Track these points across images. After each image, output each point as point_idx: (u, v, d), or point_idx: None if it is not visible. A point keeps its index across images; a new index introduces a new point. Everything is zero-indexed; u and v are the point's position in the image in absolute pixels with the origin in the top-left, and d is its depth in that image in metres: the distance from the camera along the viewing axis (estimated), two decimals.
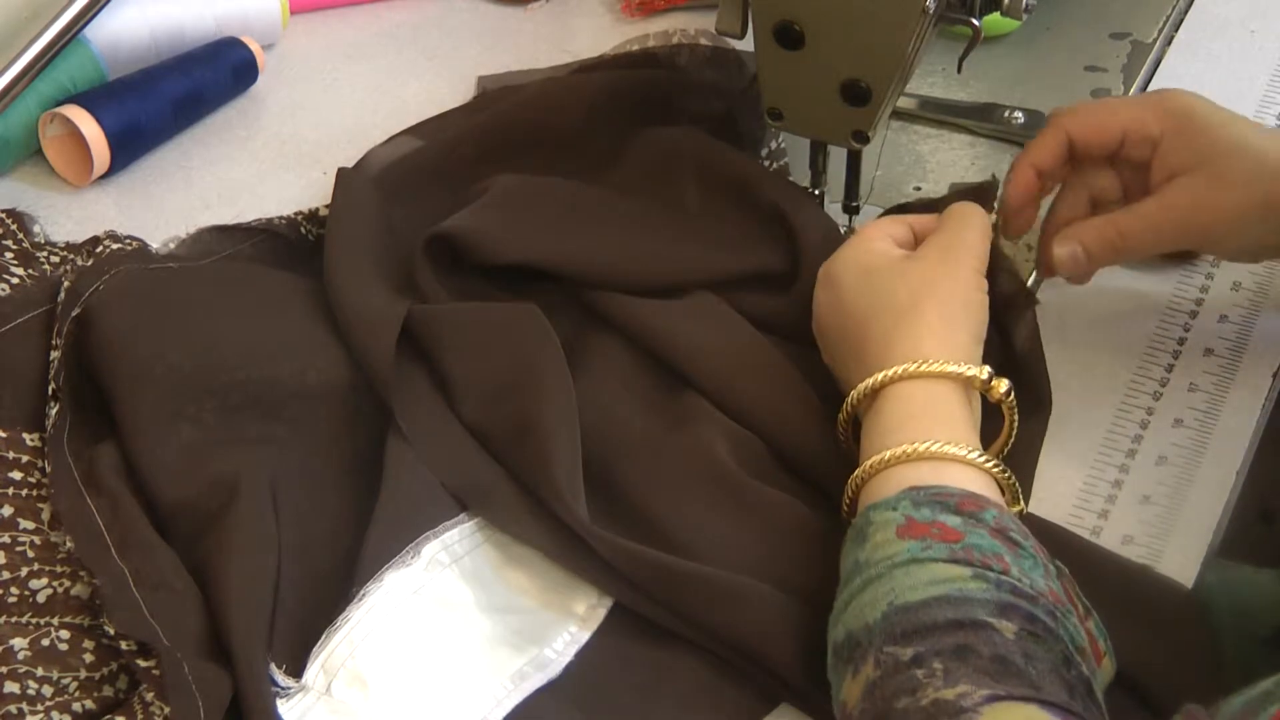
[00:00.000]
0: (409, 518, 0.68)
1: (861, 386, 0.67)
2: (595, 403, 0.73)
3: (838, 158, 0.84)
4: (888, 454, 0.63)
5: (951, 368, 0.66)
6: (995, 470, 0.64)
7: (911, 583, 0.56)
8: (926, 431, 0.64)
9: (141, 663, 0.62)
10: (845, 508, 0.66)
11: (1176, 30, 1.00)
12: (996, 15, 0.77)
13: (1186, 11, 1.01)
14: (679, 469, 0.70)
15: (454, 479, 0.70)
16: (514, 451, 0.70)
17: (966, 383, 0.67)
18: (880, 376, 0.66)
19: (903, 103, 0.93)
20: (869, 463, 0.64)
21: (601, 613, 0.67)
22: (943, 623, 0.54)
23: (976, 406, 0.68)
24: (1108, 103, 0.77)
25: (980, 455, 0.63)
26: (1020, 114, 0.92)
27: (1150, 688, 0.63)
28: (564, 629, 0.66)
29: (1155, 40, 0.99)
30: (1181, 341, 0.79)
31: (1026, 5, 0.76)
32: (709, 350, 0.75)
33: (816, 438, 0.72)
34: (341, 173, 0.84)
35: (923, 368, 0.66)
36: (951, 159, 0.91)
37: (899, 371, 0.66)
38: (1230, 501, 0.72)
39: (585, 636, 0.66)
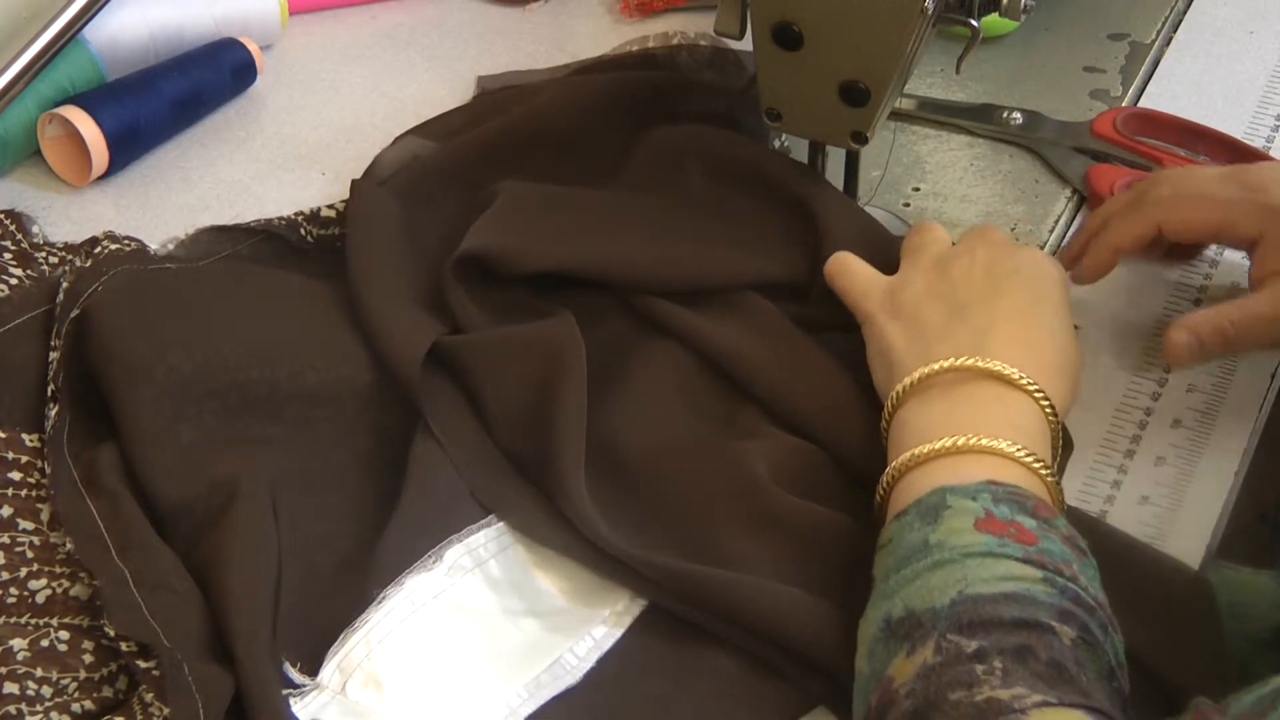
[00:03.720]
0: (433, 521, 0.68)
1: (961, 360, 0.66)
2: (638, 414, 0.73)
3: (836, 158, 0.84)
4: (972, 440, 0.63)
5: (1038, 394, 0.66)
6: (1053, 483, 0.64)
7: (984, 574, 0.57)
8: (1006, 431, 0.64)
9: (141, 664, 0.62)
10: (893, 475, 0.65)
11: (1175, 31, 1.00)
12: (995, 16, 0.77)
13: (1185, 12, 1.01)
14: (716, 487, 0.69)
15: (483, 488, 0.70)
16: (539, 480, 0.70)
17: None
18: (991, 365, 0.66)
19: (901, 103, 0.93)
20: (951, 441, 0.63)
21: (628, 620, 0.66)
22: (1008, 620, 0.55)
23: None
24: (1204, 196, 0.74)
25: (1048, 470, 0.64)
26: (1019, 114, 0.92)
27: (1159, 669, 0.64)
28: (591, 632, 0.66)
29: (1154, 41, 0.99)
30: None
31: (1025, 6, 0.76)
32: (765, 359, 0.75)
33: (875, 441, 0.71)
34: (355, 184, 0.84)
35: (1019, 378, 0.66)
36: (950, 159, 0.91)
37: (1011, 373, 0.66)
38: (1229, 502, 0.72)
39: (610, 643, 0.65)
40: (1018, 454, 0.63)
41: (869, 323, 0.73)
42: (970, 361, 0.67)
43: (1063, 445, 0.72)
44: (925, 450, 0.64)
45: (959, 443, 0.63)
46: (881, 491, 0.66)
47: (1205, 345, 0.72)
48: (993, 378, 0.66)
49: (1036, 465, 0.63)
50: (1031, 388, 0.66)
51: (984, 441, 0.63)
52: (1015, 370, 0.66)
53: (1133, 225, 0.76)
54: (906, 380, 0.68)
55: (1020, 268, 0.72)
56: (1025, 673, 0.53)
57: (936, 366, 0.67)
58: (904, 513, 0.62)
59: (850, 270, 0.76)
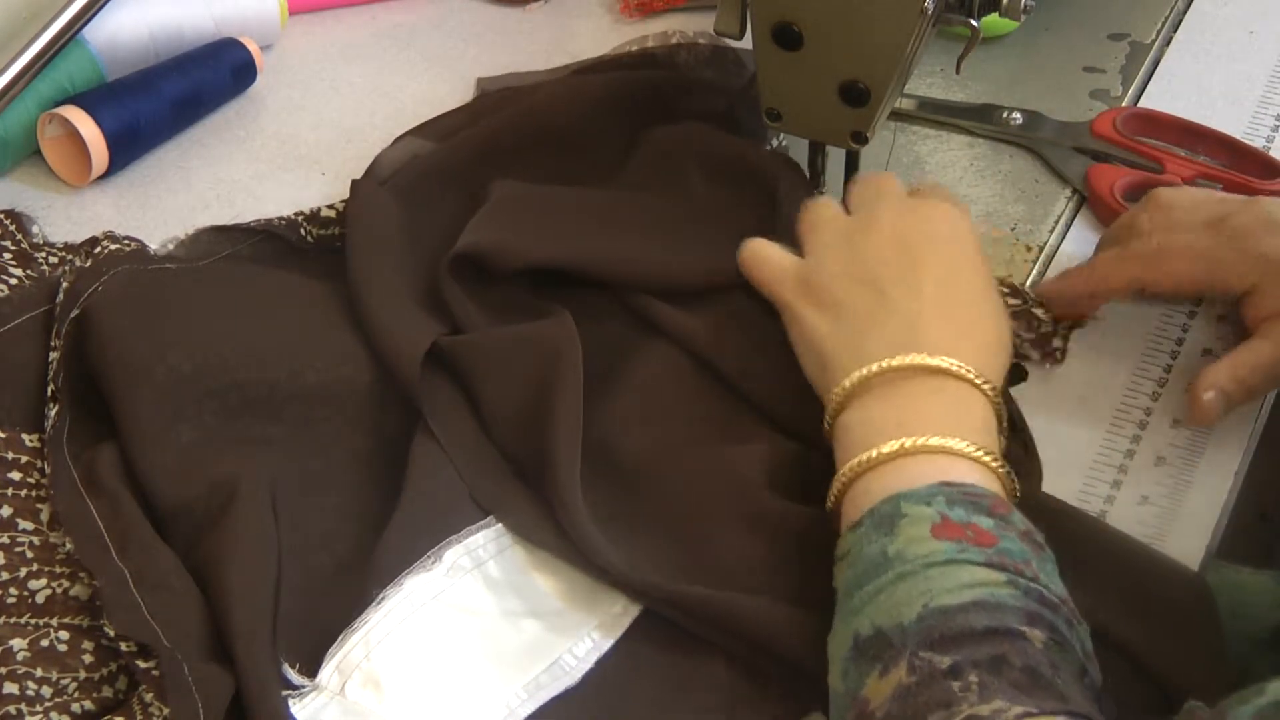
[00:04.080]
0: (433, 522, 0.68)
1: (898, 360, 0.65)
2: (636, 416, 0.73)
3: (836, 158, 0.84)
4: (920, 441, 0.62)
5: (980, 381, 0.66)
6: (1004, 474, 0.64)
7: (948, 584, 0.56)
8: (952, 427, 0.63)
9: (141, 664, 0.62)
10: (843, 482, 0.64)
11: (1175, 31, 1.00)
12: (995, 16, 0.77)
13: (1185, 12, 1.01)
14: (711, 489, 0.69)
15: (482, 490, 0.70)
16: (536, 483, 0.70)
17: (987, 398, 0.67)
18: (934, 362, 0.65)
19: (901, 103, 0.93)
20: (899, 444, 0.62)
21: (626, 621, 0.66)
22: (980, 630, 0.54)
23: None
24: (1191, 250, 0.73)
25: (997, 461, 0.63)
26: (1019, 115, 0.92)
27: (1159, 669, 0.64)
28: (588, 634, 0.66)
29: (1154, 41, 0.99)
30: (1179, 342, 0.79)
31: (1025, 6, 0.76)
32: (761, 363, 0.74)
33: None
34: (355, 184, 0.84)
35: (963, 371, 0.65)
36: (950, 159, 0.91)
37: (952, 367, 0.65)
38: (1228, 502, 0.72)
39: (609, 644, 0.65)
40: (967, 450, 0.62)
41: (787, 310, 0.72)
42: (907, 360, 0.65)
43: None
44: (874, 455, 0.63)
45: (907, 445, 0.62)
46: (833, 499, 0.65)
47: (1231, 399, 0.72)
48: (931, 372, 0.65)
49: (987, 459, 0.62)
50: (970, 375, 0.65)
51: (932, 441, 0.62)
52: (953, 362, 0.65)
53: (1114, 277, 0.75)
54: (845, 383, 0.66)
55: (932, 235, 0.70)
56: (1002, 684, 0.53)
57: (875, 368, 0.66)
58: (859, 524, 0.61)
59: (761, 257, 0.75)
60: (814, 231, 0.74)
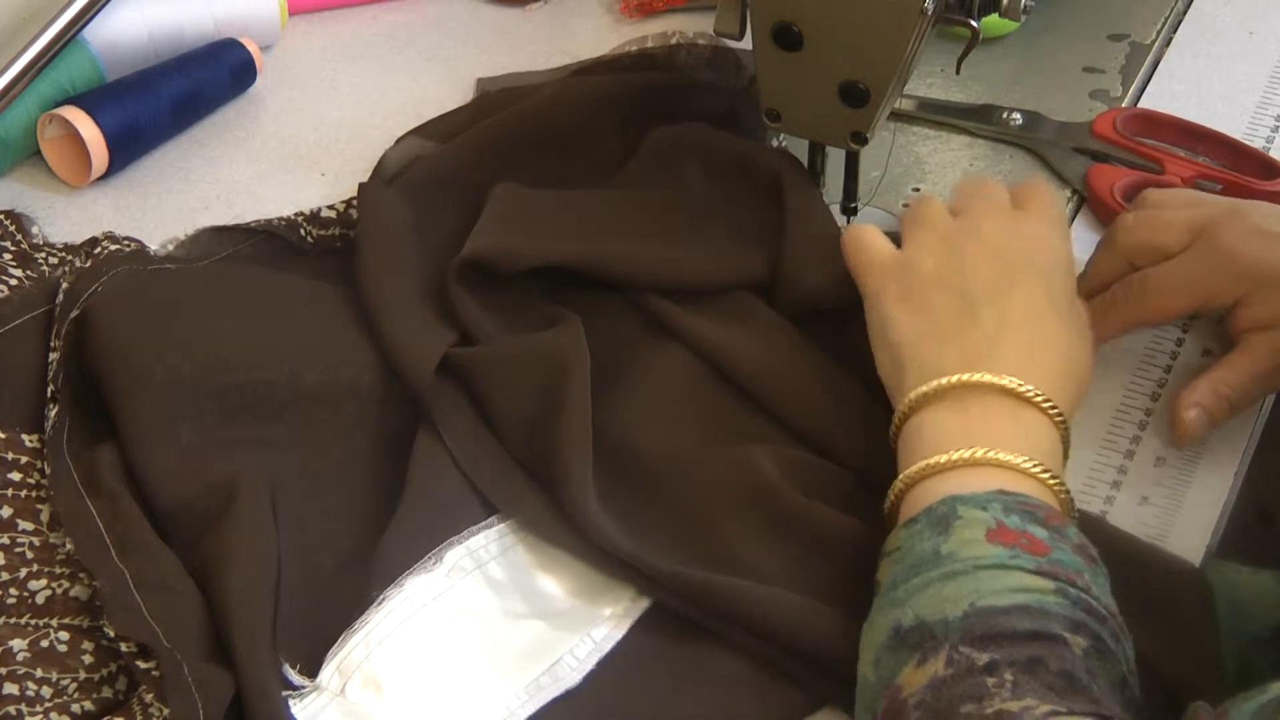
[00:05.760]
0: (434, 523, 0.68)
1: (972, 376, 0.66)
2: (648, 417, 0.73)
3: (836, 159, 0.84)
4: (990, 453, 0.63)
5: (1051, 408, 0.66)
6: (1066, 498, 0.64)
7: (996, 586, 0.57)
8: (1021, 446, 0.64)
9: (141, 664, 0.62)
10: (906, 483, 0.65)
11: (1175, 32, 1.00)
12: (995, 16, 0.77)
13: (1185, 13, 1.01)
14: (726, 489, 0.69)
15: (490, 485, 0.70)
16: (546, 486, 0.70)
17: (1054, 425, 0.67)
18: (1002, 381, 0.65)
19: (901, 104, 0.93)
20: (970, 452, 0.63)
21: (628, 622, 0.66)
22: (1021, 632, 0.55)
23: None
24: (1177, 279, 0.73)
25: (1061, 484, 0.64)
26: (1019, 115, 0.92)
27: (1157, 667, 0.64)
28: (591, 633, 0.66)
29: (1154, 42, 0.99)
30: (1179, 343, 0.79)
31: (1025, 6, 0.76)
32: (770, 365, 0.74)
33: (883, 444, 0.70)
34: (363, 186, 0.84)
35: (1031, 394, 0.66)
36: (950, 160, 0.91)
37: (1021, 387, 0.66)
38: (1228, 502, 0.72)
39: (610, 644, 0.65)
40: (1032, 469, 0.63)
41: (873, 301, 0.72)
42: (981, 377, 0.66)
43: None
44: (941, 460, 0.63)
45: (976, 455, 0.63)
46: (892, 498, 0.65)
47: (1214, 416, 0.73)
48: (1004, 392, 0.66)
49: (1052, 481, 0.63)
50: (1042, 401, 0.66)
51: (999, 455, 0.63)
52: (1028, 386, 0.65)
53: (1112, 323, 0.75)
54: (915, 393, 0.67)
55: (1030, 259, 0.70)
56: (1036, 684, 0.53)
57: (946, 381, 0.66)
58: (913, 521, 0.61)
59: (863, 242, 0.75)
60: (916, 228, 0.74)
